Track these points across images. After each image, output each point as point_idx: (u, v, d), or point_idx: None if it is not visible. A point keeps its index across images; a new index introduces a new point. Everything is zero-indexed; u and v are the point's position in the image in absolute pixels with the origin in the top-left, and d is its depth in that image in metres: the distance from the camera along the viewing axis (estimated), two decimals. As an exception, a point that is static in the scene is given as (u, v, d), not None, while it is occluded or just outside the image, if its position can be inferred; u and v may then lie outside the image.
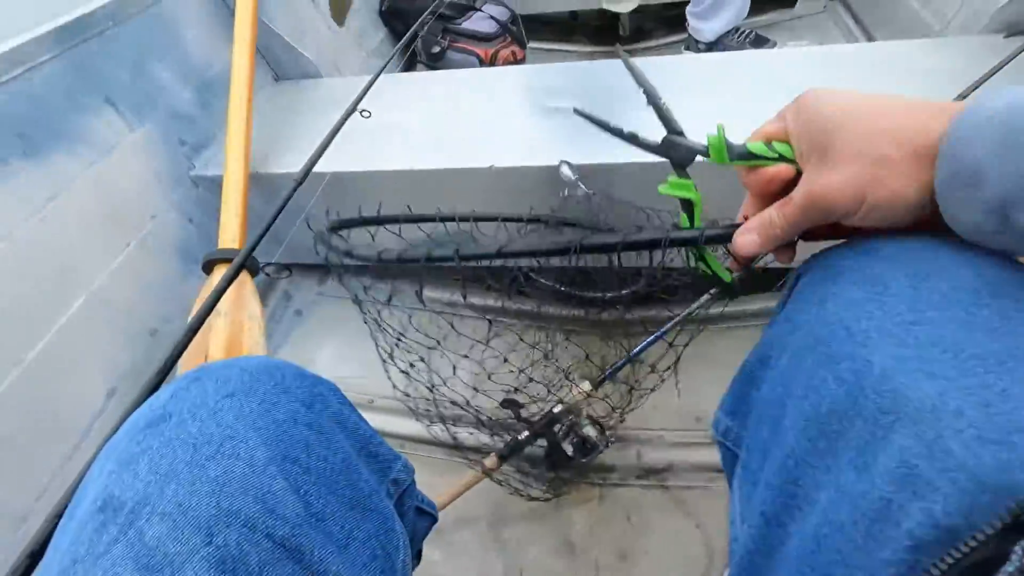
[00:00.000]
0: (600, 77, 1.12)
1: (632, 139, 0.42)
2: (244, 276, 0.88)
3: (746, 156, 0.37)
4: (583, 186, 0.89)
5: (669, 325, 0.72)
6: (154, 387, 0.46)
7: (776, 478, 0.31)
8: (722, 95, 0.99)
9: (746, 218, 0.37)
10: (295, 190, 0.77)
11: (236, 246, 0.88)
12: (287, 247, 1.18)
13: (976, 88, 0.74)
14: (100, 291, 0.90)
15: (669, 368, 0.78)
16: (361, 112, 0.94)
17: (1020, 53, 0.76)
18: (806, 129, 0.33)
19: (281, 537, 0.30)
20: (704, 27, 1.52)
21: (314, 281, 1.26)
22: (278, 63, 1.29)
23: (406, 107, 1.11)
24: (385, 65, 1.01)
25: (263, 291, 1.21)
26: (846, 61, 1.04)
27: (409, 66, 1.76)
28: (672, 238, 0.39)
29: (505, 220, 0.92)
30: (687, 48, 1.63)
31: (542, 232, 0.99)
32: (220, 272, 0.87)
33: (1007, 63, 0.75)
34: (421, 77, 1.30)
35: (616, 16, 1.85)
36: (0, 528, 0.72)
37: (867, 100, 0.31)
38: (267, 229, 0.73)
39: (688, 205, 0.40)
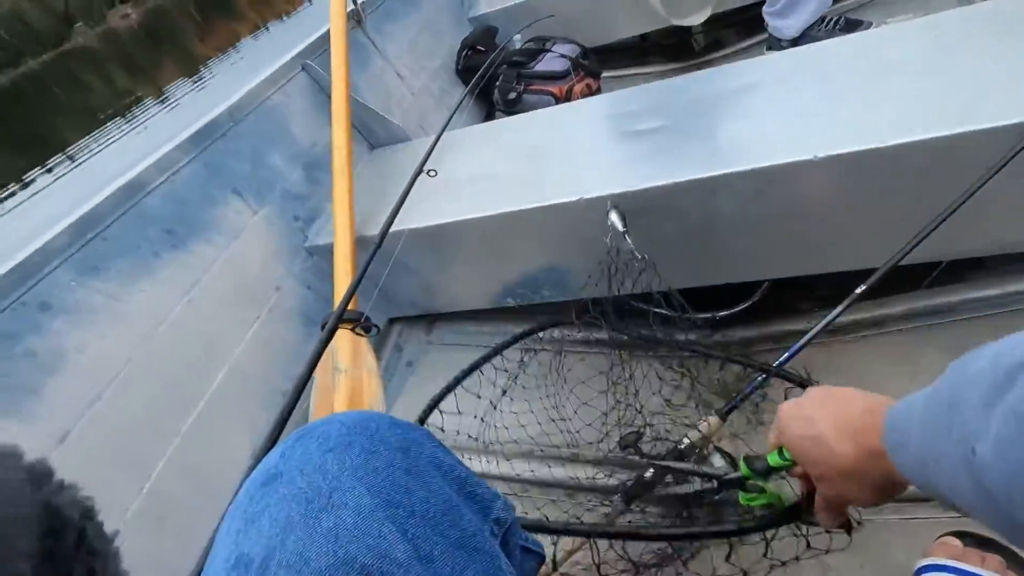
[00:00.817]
0: (679, 93, 1.09)
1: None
2: (358, 332, 0.93)
3: (769, 471, 0.50)
4: (630, 241, 0.85)
5: (804, 339, 0.65)
6: (269, 447, 0.49)
7: None
8: (814, 89, 0.92)
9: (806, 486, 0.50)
10: (374, 254, 0.83)
11: (350, 307, 0.94)
12: (396, 302, 1.24)
13: None
14: (238, 361, 1.00)
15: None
16: (428, 172, 0.99)
17: None
18: (790, 449, 0.46)
19: None
20: (784, 24, 1.44)
21: (422, 331, 1.31)
22: (371, 133, 1.40)
23: (487, 155, 1.15)
24: (445, 126, 1.08)
25: (377, 346, 1.27)
26: (959, 27, 0.92)
27: (489, 116, 1.84)
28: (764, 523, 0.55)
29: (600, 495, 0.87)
30: (769, 48, 1.55)
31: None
32: (339, 333, 0.93)
33: None
34: (498, 125, 1.34)
35: (688, 30, 1.82)
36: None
37: (807, 437, 0.42)
38: (352, 291, 0.79)
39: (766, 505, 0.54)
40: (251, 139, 1.15)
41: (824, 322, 0.64)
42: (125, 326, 0.87)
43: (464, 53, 1.78)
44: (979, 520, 0.30)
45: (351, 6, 1.44)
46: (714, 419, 0.72)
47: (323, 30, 1.36)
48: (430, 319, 1.32)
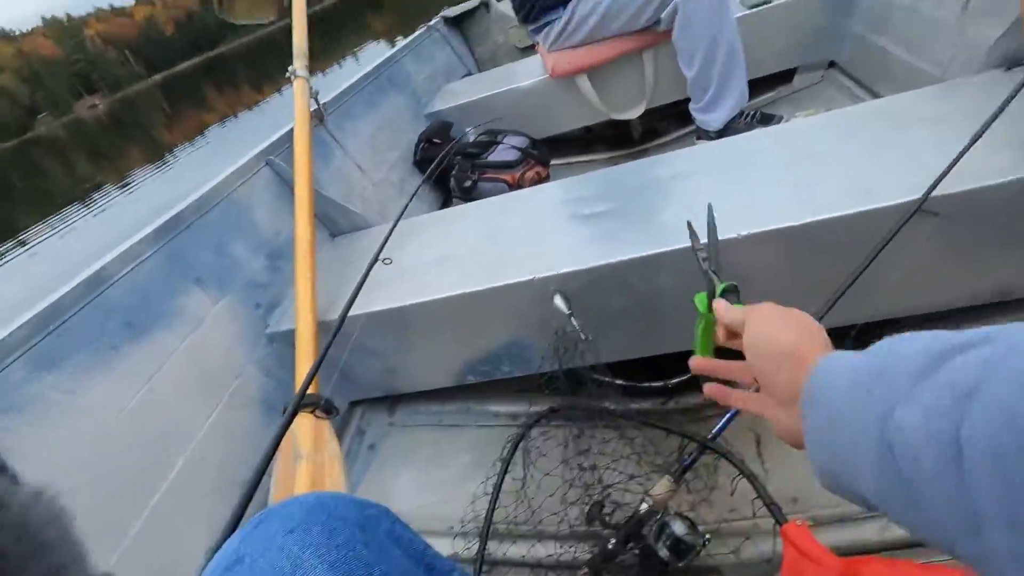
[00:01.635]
0: (622, 180, 1.20)
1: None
2: (320, 416, 0.93)
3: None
4: (575, 323, 0.92)
5: (733, 411, 0.70)
6: (228, 535, 0.50)
7: None
8: (739, 175, 1.04)
9: None
10: (333, 338, 0.86)
11: (311, 391, 0.95)
12: (358, 385, 1.25)
13: (989, 127, 0.75)
14: (196, 450, 0.98)
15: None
16: (383, 260, 1.05)
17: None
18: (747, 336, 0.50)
19: None
20: (709, 119, 1.62)
21: (384, 413, 1.31)
22: (333, 222, 1.46)
23: (446, 239, 1.21)
24: (400, 214, 1.15)
25: (338, 431, 1.26)
26: (854, 121, 1.07)
27: (446, 203, 1.94)
28: None
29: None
30: (698, 138, 1.73)
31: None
32: (300, 418, 0.93)
33: (1014, 96, 0.77)
34: (456, 211, 1.42)
35: (627, 122, 2.01)
36: None
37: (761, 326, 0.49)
38: (312, 375, 0.81)
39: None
40: (215, 230, 1.19)
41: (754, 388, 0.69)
42: (81, 420, 0.86)
43: (421, 146, 1.90)
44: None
45: (314, 106, 1.55)
46: (667, 483, 0.75)
47: (287, 128, 1.45)
48: (392, 401, 1.32)
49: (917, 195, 0.77)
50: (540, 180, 1.75)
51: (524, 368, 1.13)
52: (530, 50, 2.68)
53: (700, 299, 0.65)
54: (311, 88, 1.52)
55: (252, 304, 1.19)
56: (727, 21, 1.48)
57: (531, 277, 0.99)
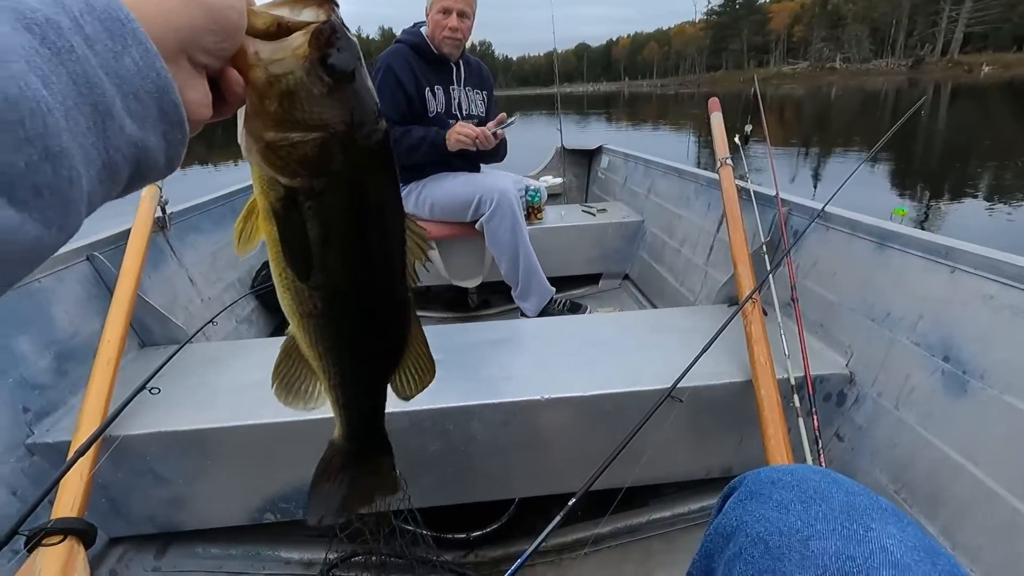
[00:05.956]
0: (454, 337, 1.35)
1: None
2: (76, 550, 0.80)
3: None
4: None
5: (516, 565, 0.74)
6: None
7: None
8: (547, 350, 1.25)
9: None
10: (74, 462, 0.82)
11: (75, 514, 0.82)
12: (127, 517, 1.08)
13: (713, 342, 1.05)
14: None
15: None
16: (150, 390, 1.04)
17: (734, 316, 1.12)
18: None
19: None
20: (525, 306, 1.95)
21: (150, 555, 1.12)
22: (146, 331, 1.35)
23: (268, 366, 1.21)
24: (190, 338, 1.18)
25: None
26: (634, 321, 1.40)
27: (278, 330, 1.90)
28: None
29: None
30: (523, 314, 2.01)
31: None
32: (45, 553, 0.78)
33: (727, 324, 1.10)
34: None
35: (465, 289, 2.25)
36: None
37: None
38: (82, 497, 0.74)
39: None
40: None
41: (535, 544, 0.74)
42: None
43: (262, 273, 1.91)
44: None
45: (159, 213, 1.52)
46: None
47: (121, 229, 1.38)
48: (163, 540, 1.14)
49: (667, 384, 1.02)
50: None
51: None
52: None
53: None
54: (161, 195, 1.51)
55: (18, 406, 1.02)
56: (522, 239, 1.89)
57: None
